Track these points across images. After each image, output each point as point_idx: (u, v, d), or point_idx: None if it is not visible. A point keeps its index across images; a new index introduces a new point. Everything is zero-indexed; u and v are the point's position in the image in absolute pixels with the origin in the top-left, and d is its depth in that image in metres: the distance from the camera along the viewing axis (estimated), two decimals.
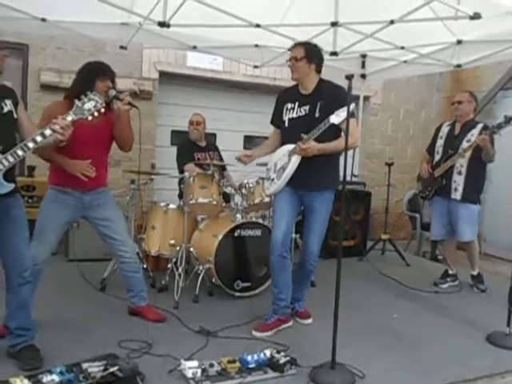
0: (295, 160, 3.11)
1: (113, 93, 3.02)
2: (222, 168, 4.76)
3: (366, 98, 6.89)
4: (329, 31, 4.14)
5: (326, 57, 4.55)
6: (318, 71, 3.21)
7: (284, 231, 3.16)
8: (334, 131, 3.03)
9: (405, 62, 4.86)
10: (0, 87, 2.47)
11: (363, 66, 5.16)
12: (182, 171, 4.48)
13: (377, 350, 3.02)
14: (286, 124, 3.25)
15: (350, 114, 3.03)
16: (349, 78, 2.44)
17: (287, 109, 3.24)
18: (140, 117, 3.10)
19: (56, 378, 2.27)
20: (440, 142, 4.46)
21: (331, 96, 3.07)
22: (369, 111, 7.09)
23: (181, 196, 4.43)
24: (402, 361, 2.89)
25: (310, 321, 3.43)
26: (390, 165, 5.73)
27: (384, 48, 4.50)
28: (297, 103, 3.20)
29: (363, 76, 5.25)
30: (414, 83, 7.20)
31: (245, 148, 6.66)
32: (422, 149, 5.09)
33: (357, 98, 5.64)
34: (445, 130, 4.48)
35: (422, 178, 4.57)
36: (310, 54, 3.15)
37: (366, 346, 3.05)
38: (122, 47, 4.56)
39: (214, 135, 6.15)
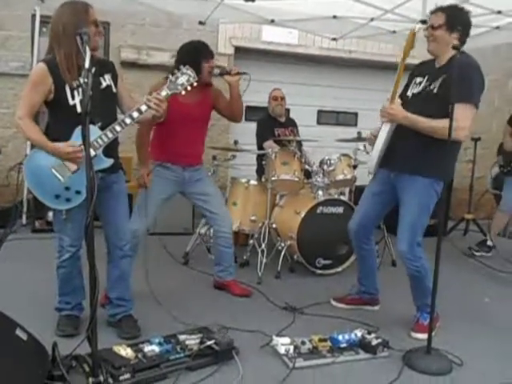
0: (384, 128, 2.73)
1: (217, 72, 3.07)
2: (299, 144, 4.68)
3: None
4: None
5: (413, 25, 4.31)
6: (462, 41, 2.66)
7: (358, 222, 3.00)
8: (442, 109, 2.49)
9: (497, 27, 4.49)
10: (98, 62, 2.44)
11: None
12: (261, 147, 4.46)
13: (470, 336, 2.89)
14: (408, 99, 2.79)
15: (462, 99, 2.45)
16: (456, 47, 2.25)
17: (415, 83, 2.81)
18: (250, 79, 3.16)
19: (156, 348, 2.34)
20: None
21: (456, 72, 2.41)
22: None
23: (259, 171, 4.41)
24: (499, 349, 2.74)
25: None
26: (476, 140, 5.39)
27: (476, 13, 4.16)
28: (426, 77, 2.74)
29: None
30: (501, 51, 6.68)
31: (318, 123, 6.54)
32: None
33: None
34: None
35: (505, 151, 4.30)
36: (452, 20, 2.62)
37: (459, 332, 2.92)
38: (200, 23, 4.54)
39: (287, 110, 6.06)
